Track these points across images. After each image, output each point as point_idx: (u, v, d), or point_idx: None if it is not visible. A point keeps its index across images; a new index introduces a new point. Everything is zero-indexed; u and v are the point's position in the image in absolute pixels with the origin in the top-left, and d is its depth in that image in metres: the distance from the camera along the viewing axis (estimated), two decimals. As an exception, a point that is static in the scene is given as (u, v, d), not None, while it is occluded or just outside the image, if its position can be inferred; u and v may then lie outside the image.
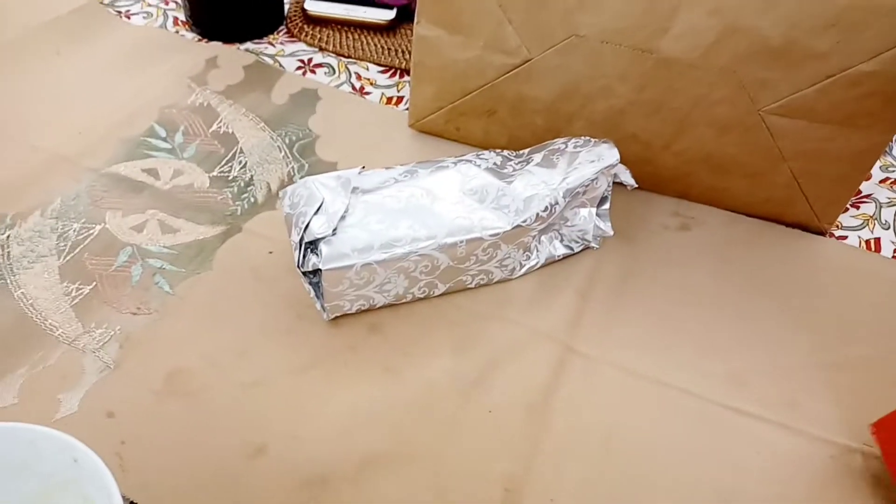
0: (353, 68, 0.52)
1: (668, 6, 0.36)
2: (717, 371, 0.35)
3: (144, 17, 0.55)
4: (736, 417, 0.34)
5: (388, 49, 0.53)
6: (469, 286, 0.38)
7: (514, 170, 0.38)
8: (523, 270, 0.39)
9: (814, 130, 0.38)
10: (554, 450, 0.32)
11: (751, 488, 0.31)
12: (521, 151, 0.39)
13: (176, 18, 0.55)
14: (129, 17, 0.55)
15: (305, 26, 0.55)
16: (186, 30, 0.54)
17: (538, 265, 0.39)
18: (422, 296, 0.37)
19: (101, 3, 0.56)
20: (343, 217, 0.34)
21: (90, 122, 0.46)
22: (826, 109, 0.37)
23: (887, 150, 0.48)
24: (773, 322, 0.38)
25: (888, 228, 0.43)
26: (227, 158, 0.44)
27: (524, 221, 0.36)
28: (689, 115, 0.40)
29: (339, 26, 0.55)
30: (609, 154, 0.38)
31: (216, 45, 0.53)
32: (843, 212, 0.43)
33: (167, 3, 0.56)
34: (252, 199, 0.41)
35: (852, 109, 0.37)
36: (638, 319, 0.37)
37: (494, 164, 0.38)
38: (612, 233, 0.40)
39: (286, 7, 0.56)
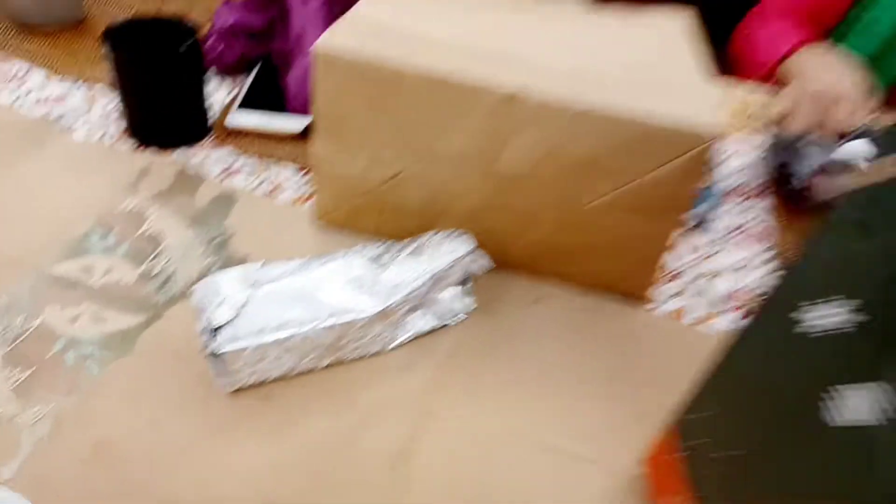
0: (269, 170, 0.61)
1: (502, 136, 0.46)
2: (555, 421, 0.44)
3: (87, 132, 0.63)
4: (562, 457, 0.42)
5: (301, 152, 0.62)
6: (349, 358, 0.46)
7: (390, 260, 0.46)
8: (396, 343, 0.47)
9: (626, 222, 0.48)
10: (415, 499, 0.39)
11: (568, 515, 0.39)
12: (399, 243, 0.48)
13: (115, 132, 0.63)
14: (73, 132, 0.63)
15: (228, 137, 0.64)
16: (124, 141, 0.62)
17: (409, 338, 0.47)
18: (309, 368, 0.45)
19: (48, 120, 0.64)
20: (242, 306, 0.42)
21: (35, 227, 0.53)
22: (629, 207, 0.47)
23: (700, 230, 0.59)
24: (603, 379, 0.47)
25: (694, 296, 0.53)
26: (153, 256, 0.52)
27: (392, 304, 0.44)
28: (531, 215, 0.50)
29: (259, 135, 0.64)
30: (465, 245, 0.47)
31: (150, 155, 0.61)
32: (659, 284, 0.53)
33: (107, 119, 0.65)
34: (172, 291, 0.49)
35: (647, 206, 0.47)
36: (493, 381, 0.46)
37: (375, 255, 0.47)
38: (474, 307, 0.49)
39: (212, 118, 0.65)
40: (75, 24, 0.78)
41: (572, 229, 0.50)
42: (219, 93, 0.69)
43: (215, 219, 0.55)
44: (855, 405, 0.25)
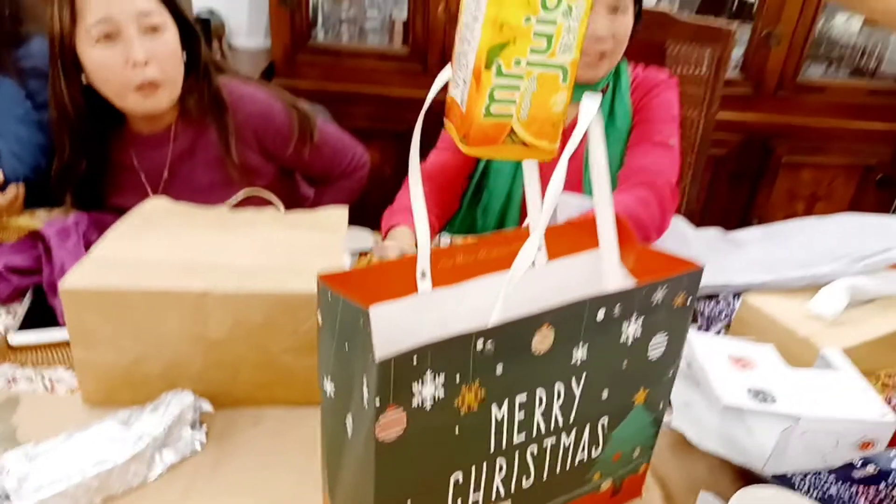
0: (46, 373, 0.79)
1: (204, 318, 0.70)
2: (270, 499, 0.66)
3: None
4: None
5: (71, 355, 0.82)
6: (119, 493, 0.65)
7: (135, 419, 0.67)
8: (154, 476, 0.67)
9: (302, 360, 0.74)
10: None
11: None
12: (142, 406, 0.69)
13: None
14: None
15: (9, 353, 0.82)
16: (-84, 375, 0.78)
17: (164, 470, 0.67)
18: (85, 508, 0.63)
19: None
20: (24, 477, 0.60)
21: None
22: (301, 349, 0.73)
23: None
24: (303, 464, 0.70)
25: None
26: (-49, 459, 0.68)
27: (140, 450, 0.65)
28: (240, 364, 0.74)
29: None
30: (188, 398, 0.69)
31: (-59, 382, 0.77)
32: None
33: None
34: (-29, 481, 0.66)
35: (311, 346, 0.73)
36: (226, 482, 0.67)
37: (124, 418, 0.67)
38: (206, 440, 0.71)
39: (-5, 341, 0.83)
40: None
41: (271, 370, 0.74)
42: (-2, 320, 0.87)
43: (3, 418, 0.73)
44: (350, 428, 0.50)
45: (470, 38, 0.48)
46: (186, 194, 1.09)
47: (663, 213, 1.05)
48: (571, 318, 0.51)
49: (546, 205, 0.46)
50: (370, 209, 1.22)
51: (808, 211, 1.95)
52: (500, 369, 0.49)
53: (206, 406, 0.71)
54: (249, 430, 0.74)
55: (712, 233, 1.15)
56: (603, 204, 0.50)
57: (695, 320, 0.91)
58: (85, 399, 0.75)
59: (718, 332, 0.88)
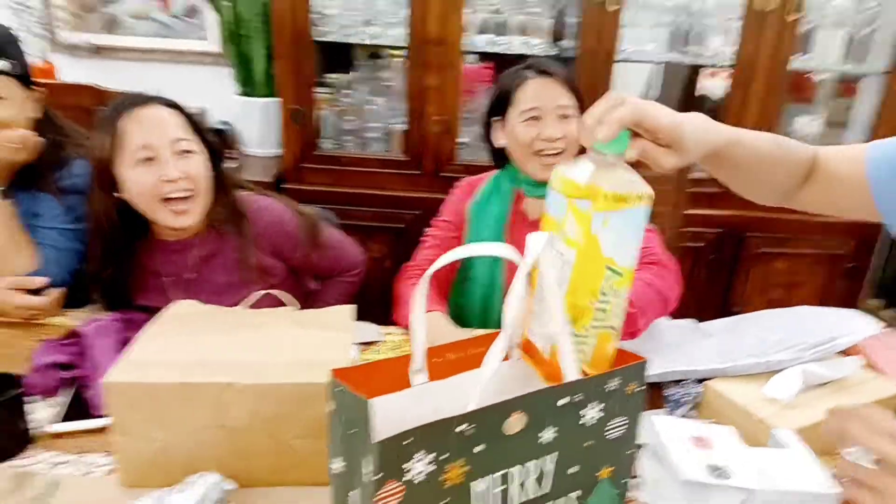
0: (85, 458, 0.89)
1: (226, 407, 0.81)
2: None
3: (-63, 462, 0.88)
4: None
5: (107, 443, 0.91)
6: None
7: (167, 499, 0.77)
8: (178, 551, 0.75)
9: (312, 445, 0.83)
10: None
11: None
12: (170, 488, 0.79)
13: (-41, 457, 0.88)
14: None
15: (55, 439, 0.91)
16: (-33, 463, 0.88)
17: (187, 546, 0.76)
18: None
19: None
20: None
21: None
22: (313, 435, 0.83)
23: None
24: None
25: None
26: (1, 538, 0.77)
27: (169, 525, 0.74)
28: (256, 450, 0.83)
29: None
30: (213, 477, 0.79)
31: (-11, 468, 0.87)
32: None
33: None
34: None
35: (320, 433, 0.83)
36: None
37: (157, 498, 0.77)
38: (227, 517, 0.79)
39: (39, 430, 0.93)
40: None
41: (283, 454, 0.84)
42: (42, 411, 0.97)
43: (46, 500, 0.82)
44: (355, 501, 0.60)
45: (549, 310, 0.63)
46: (206, 294, 1.22)
47: (675, 279, 1.24)
48: (538, 404, 0.61)
49: (508, 318, 0.58)
50: (373, 302, 1.34)
51: (786, 296, 2.06)
52: (479, 449, 0.59)
53: (232, 485, 0.80)
54: (265, 509, 0.83)
55: (685, 323, 1.27)
56: (558, 317, 0.63)
57: (663, 405, 1.01)
58: (122, 481, 0.84)
59: (683, 415, 0.98)
